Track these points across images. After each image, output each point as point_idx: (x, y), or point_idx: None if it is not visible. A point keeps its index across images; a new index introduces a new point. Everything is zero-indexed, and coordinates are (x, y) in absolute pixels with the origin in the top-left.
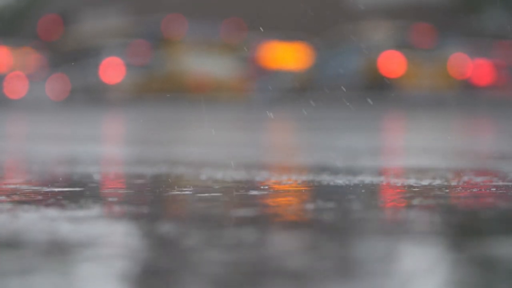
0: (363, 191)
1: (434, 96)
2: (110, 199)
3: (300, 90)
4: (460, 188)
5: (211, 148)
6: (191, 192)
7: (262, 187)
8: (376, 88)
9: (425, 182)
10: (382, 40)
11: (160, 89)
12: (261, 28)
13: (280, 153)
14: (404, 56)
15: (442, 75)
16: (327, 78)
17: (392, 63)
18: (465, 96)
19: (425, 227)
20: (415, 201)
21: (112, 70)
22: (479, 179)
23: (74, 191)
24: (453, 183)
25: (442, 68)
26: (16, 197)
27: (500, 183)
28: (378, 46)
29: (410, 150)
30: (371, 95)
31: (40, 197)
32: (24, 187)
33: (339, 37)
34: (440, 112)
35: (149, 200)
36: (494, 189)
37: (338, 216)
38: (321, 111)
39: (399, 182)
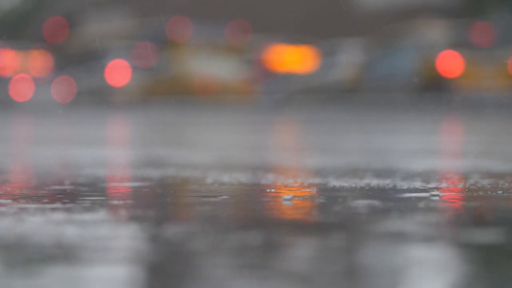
0: (369, 193)
1: (493, 97)
2: (116, 202)
3: (348, 91)
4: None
5: (217, 150)
6: (197, 195)
7: (268, 189)
8: (433, 89)
9: (432, 185)
10: (438, 39)
11: (166, 92)
12: (269, 31)
13: (286, 155)
14: (462, 56)
15: (502, 75)
16: (378, 78)
17: (450, 62)
18: None
19: (431, 231)
20: (420, 205)
21: (118, 72)
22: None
23: (80, 194)
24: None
25: (502, 68)
26: (21, 201)
27: None
28: (435, 45)
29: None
30: (427, 96)
31: (46, 200)
32: (29, 190)
33: (392, 36)
34: (499, 114)
35: (155, 203)
36: None
37: (344, 218)
38: (367, 112)
39: (405, 185)
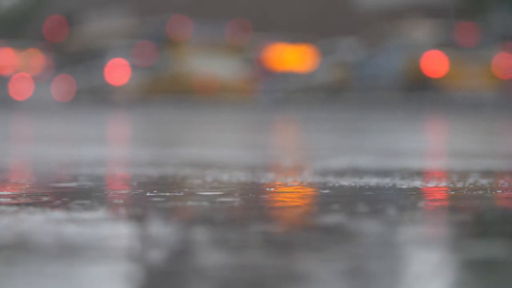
0: (368, 193)
1: (478, 96)
2: (115, 201)
3: (335, 91)
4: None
5: (217, 149)
6: (196, 194)
7: (267, 188)
8: (418, 89)
9: (432, 184)
10: (424, 39)
11: (166, 91)
12: (269, 30)
13: (286, 154)
14: (447, 56)
15: (486, 75)
16: (366, 78)
17: (435, 62)
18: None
19: (428, 228)
20: (419, 203)
21: (118, 71)
22: (484, 181)
23: (80, 193)
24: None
25: (486, 68)
26: (21, 199)
27: None
28: (420, 45)
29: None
30: (412, 96)
31: (45, 199)
32: (29, 189)
33: (378, 36)
34: (481, 113)
35: (155, 202)
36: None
37: (344, 217)
38: (354, 112)
39: (404, 184)
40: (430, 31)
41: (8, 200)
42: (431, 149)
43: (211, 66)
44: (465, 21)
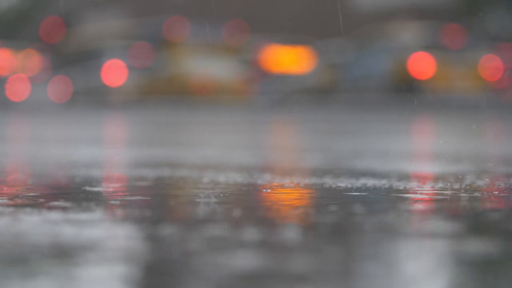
0: (365, 194)
1: (464, 98)
2: (112, 202)
3: (327, 92)
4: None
5: (214, 150)
6: (193, 195)
7: (264, 189)
8: (405, 90)
9: (428, 186)
10: (411, 41)
11: (163, 92)
12: (266, 31)
13: (282, 155)
14: (434, 58)
15: (473, 77)
16: (353, 79)
17: (422, 64)
18: (498, 99)
19: (423, 229)
20: (416, 205)
21: (114, 72)
22: (480, 182)
23: (77, 194)
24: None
25: (473, 70)
26: (18, 200)
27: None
28: (407, 47)
29: (419, 153)
30: (400, 98)
31: (42, 200)
32: (26, 190)
33: (366, 38)
34: (468, 114)
35: (152, 203)
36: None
37: (341, 218)
38: (345, 113)
39: (401, 185)
40: (417, 33)
41: (5, 201)
42: (425, 150)
43: (208, 67)
44: (453, 22)
